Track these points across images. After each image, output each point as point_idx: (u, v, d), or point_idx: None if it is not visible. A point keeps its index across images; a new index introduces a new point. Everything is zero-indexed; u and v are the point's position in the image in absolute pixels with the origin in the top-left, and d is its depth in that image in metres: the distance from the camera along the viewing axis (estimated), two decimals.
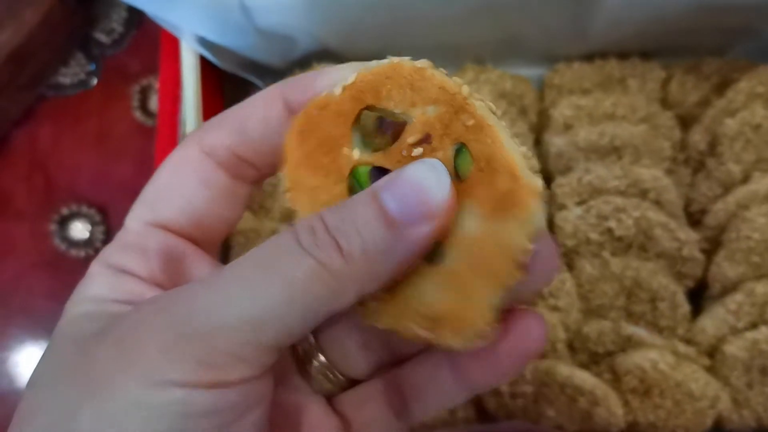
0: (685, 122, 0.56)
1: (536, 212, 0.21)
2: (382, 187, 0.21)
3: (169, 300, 0.21)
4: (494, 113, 0.23)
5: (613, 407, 0.47)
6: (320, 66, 0.54)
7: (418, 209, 0.21)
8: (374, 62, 0.24)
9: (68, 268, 0.59)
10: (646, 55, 0.57)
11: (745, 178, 0.51)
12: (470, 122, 0.22)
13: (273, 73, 0.56)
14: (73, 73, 0.62)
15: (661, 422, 0.48)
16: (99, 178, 0.61)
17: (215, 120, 0.26)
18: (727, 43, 0.56)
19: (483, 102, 0.23)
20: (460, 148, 0.22)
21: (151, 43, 0.63)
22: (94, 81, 0.62)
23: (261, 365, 0.21)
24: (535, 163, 0.23)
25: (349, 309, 0.22)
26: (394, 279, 0.22)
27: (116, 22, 0.63)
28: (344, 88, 0.24)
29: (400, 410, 0.27)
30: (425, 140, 0.23)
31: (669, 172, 0.53)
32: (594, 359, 0.50)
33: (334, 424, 0.27)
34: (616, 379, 0.49)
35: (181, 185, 0.26)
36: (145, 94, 0.62)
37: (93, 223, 0.60)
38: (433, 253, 0.23)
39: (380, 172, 0.24)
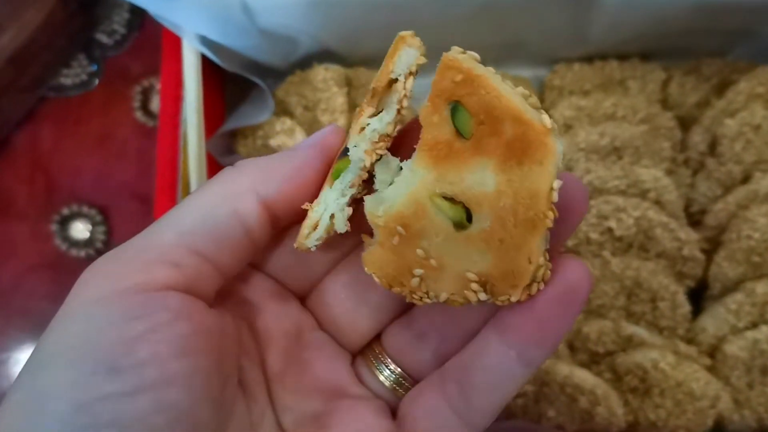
0: (685, 123, 0.56)
1: (554, 148, 0.21)
2: None
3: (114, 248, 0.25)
4: (479, 62, 0.22)
5: (613, 407, 0.47)
6: (321, 67, 0.54)
7: (306, 141, 0.27)
8: None
9: (69, 268, 0.59)
10: (646, 56, 0.57)
11: (745, 179, 0.51)
12: (458, 77, 0.21)
13: (274, 74, 0.56)
14: (74, 74, 0.62)
15: (661, 422, 0.48)
16: (100, 178, 0.61)
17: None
18: (727, 45, 0.56)
19: (467, 53, 0.22)
20: (455, 107, 0.22)
21: (153, 44, 0.63)
22: (96, 82, 0.63)
23: (186, 270, 0.23)
24: (535, 100, 0.22)
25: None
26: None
27: (118, 23, 0.63)
28: None
29: (458, 403, 0.26)
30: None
31: (669, 172, 0.53)
32: (594, 359, 0.50)
33: (387, 428, 0.27)
34: (616, 379, 0.49)
35: None
36: (146, 95, 0.62)
37: (94, 224, 0.60)
38: (461, 222, 0.23)
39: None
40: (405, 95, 0.23)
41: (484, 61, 0.58)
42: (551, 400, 0.47)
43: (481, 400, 0.26)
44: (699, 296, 0.53)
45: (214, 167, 0.50)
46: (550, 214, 0.22)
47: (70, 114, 0.62)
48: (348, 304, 0.29)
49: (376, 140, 0.24)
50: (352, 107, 0.55)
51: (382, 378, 0.29)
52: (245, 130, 0.53)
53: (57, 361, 0.22)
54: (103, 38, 0.63)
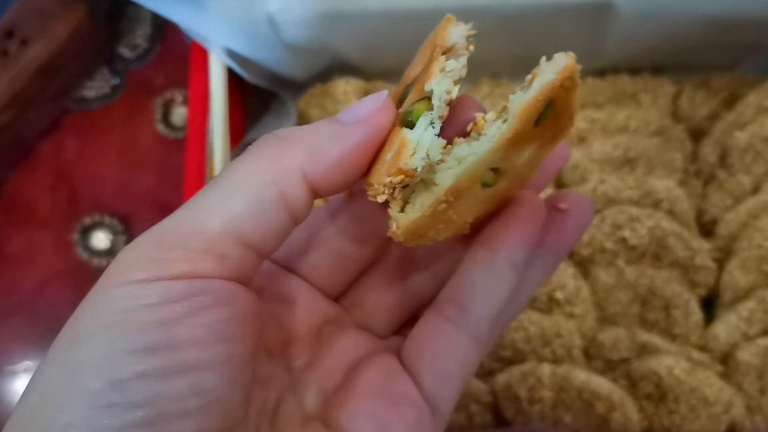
0: (696, 135, 0.57)
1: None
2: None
3: (157, 225, 0.24)
4: None
5: (629, 412, 0.48)
6: (341, 80, 0.56)
7: (355, 113, 0.25)
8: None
9: (90, 278, 0.60)
10: (656, 70, 0.59)
11: (755, 189, 0.53)
12: (568, 83, 0.24)
13: (294, 86, 0.57)
14: (97, 87, 0.64)
15: (675, 427, 0.49)
16: (121, 188, 0.62)
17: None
18: (736, 59, 0.58)
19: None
20: (549, 103, 0.25)
21: (174, 57, 0.65)
22: (118, 95, 0.64)
23: (232, 261, 0.23)
24: None
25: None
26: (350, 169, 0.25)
27: (140, 37, 0.64)
28: None
29: (458, 317, 0.27)
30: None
31: (681, 183, 0.54)
32: (609, 366, 0.51)
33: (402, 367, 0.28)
34: (631, 385, 0.50)
35: None
36: (167, 107, 0.64)
37: (115, 233, 0.61)
38: (490, 184, 0.26)
39: None
40: (468, 47, 0.27)
41: (499, 74, 0.60)
42: (568, 405, 0.48)
43: (480, 308, 0.27)
44: (711, 304, 0.54)
45: None
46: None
47: (92, 125, 0.64)
48: (385, 303, 0.30)
49: (457, 79, 0.26)
50: None
51: None
52: None
53: (94, 337, 0.21)
54: (125, 52, 0.64)
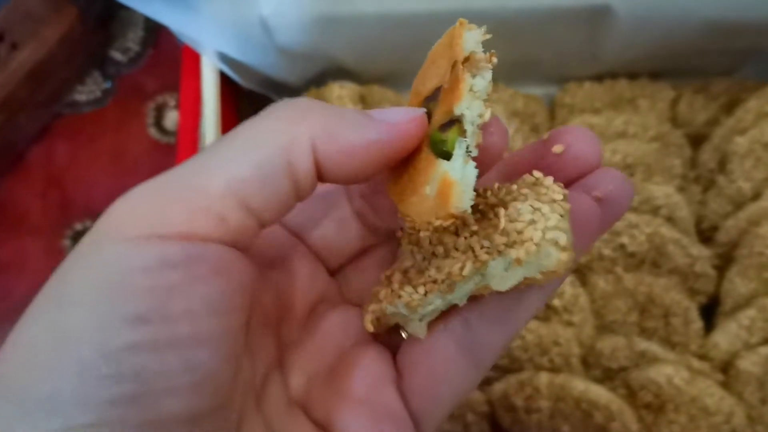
0: (695, 141, 0.56)
1: None
2: None
3: (156, 177, 0.23)
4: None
5: (628, 422, 0.47)
6: (336, 84, 0.55)
7: (385, 114, 0.24)
8: None
9: None
10: (655, 75, 0.58)
11: (756, 195, 0.52)
12: None
13: (289, 91, 0.57)
14: (89, 91, 0.63)
15: None
16: (114, 194, 0.60)
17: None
18: (735, 64, 0.57)
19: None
20: None
21: (167, 61, 0.64)
22: (110, 99, 0.63)
23: (231, 224, 0.22)
24: None
25: None
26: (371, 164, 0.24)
27: (132, 41, 0.64)
28: None
29: (463, 339, 0.26)
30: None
31: (680, 189, 0.54)
32: (608, 375, 0.50)
33: (390, 374, 0.27)
34: (630, 394, 0.49)
35: None
36: (160, 111, 0.63)
37: None
38: None
39: None
40: (491, 58, 0.25)
41: (497, 79, 0.59)
42: (566, 415, 0.48)
43: (493, 335, 0.25)
44: (711, 312, 0.53)
45: None
46: None
47: (84, 130, 0.63)
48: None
49: (485, 98, 0.24)
50: None
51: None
52: None
53: (85, 299, 0.20)
54: (117, 55, 0.63)
